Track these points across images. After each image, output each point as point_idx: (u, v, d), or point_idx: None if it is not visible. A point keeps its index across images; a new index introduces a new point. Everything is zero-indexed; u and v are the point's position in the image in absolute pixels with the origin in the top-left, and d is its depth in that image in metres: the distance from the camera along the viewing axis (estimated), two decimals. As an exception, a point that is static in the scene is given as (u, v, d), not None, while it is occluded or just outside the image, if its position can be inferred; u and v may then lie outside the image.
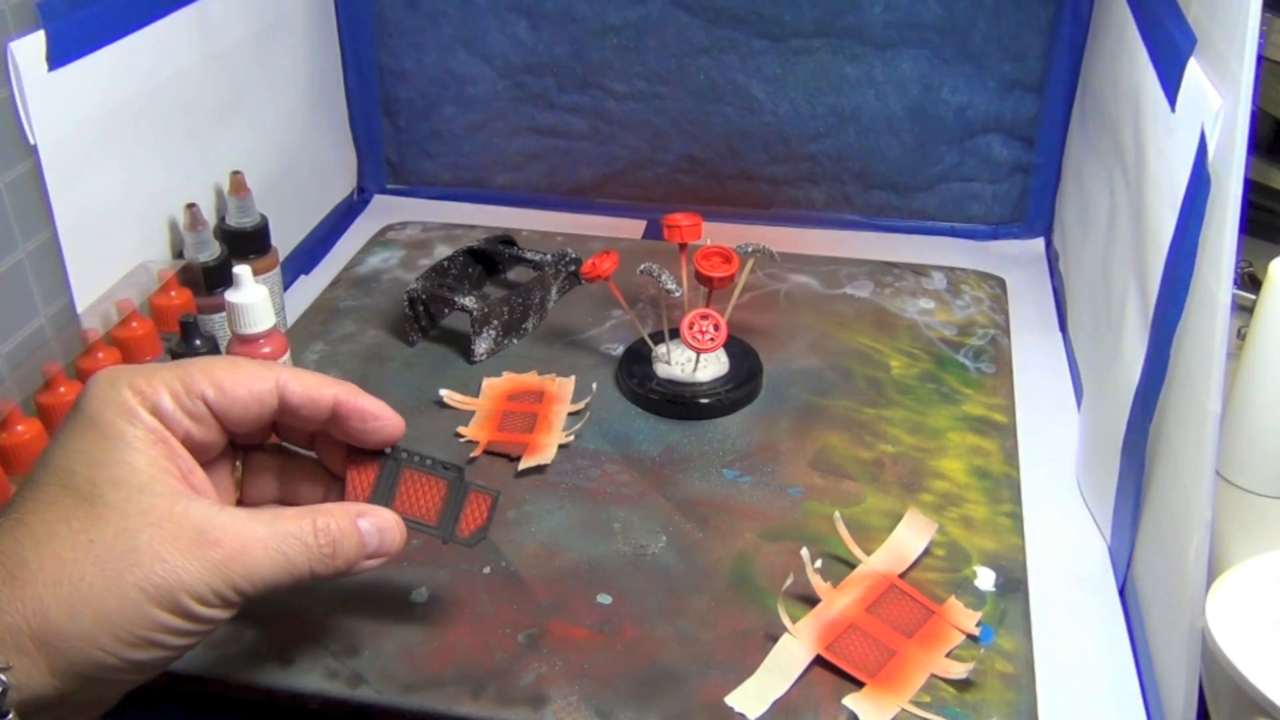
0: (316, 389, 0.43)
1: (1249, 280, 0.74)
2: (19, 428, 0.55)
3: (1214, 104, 0.48)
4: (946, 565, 0.56)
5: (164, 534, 0.37)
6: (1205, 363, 0.47)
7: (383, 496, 0.46)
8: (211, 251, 0.71)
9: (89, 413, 0.39)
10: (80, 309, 0.64)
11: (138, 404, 0.40)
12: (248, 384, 0.42)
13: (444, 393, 0.68)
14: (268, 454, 0.47)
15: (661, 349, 0.69)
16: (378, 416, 0.44)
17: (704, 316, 0.66)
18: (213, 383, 0.41)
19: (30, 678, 0.35)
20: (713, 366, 0.68)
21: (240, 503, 0.46)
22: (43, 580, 0.36)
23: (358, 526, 0.42)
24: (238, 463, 0.46)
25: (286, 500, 0.47)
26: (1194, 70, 0.52)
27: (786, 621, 0.51)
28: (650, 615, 0.53)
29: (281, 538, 0.40)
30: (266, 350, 0.62)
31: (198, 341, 0.62)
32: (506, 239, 0.83)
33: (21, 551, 0.36)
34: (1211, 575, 0.48)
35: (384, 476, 0.46)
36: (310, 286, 0.86)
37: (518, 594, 0.54)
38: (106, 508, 0.37)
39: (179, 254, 0.73)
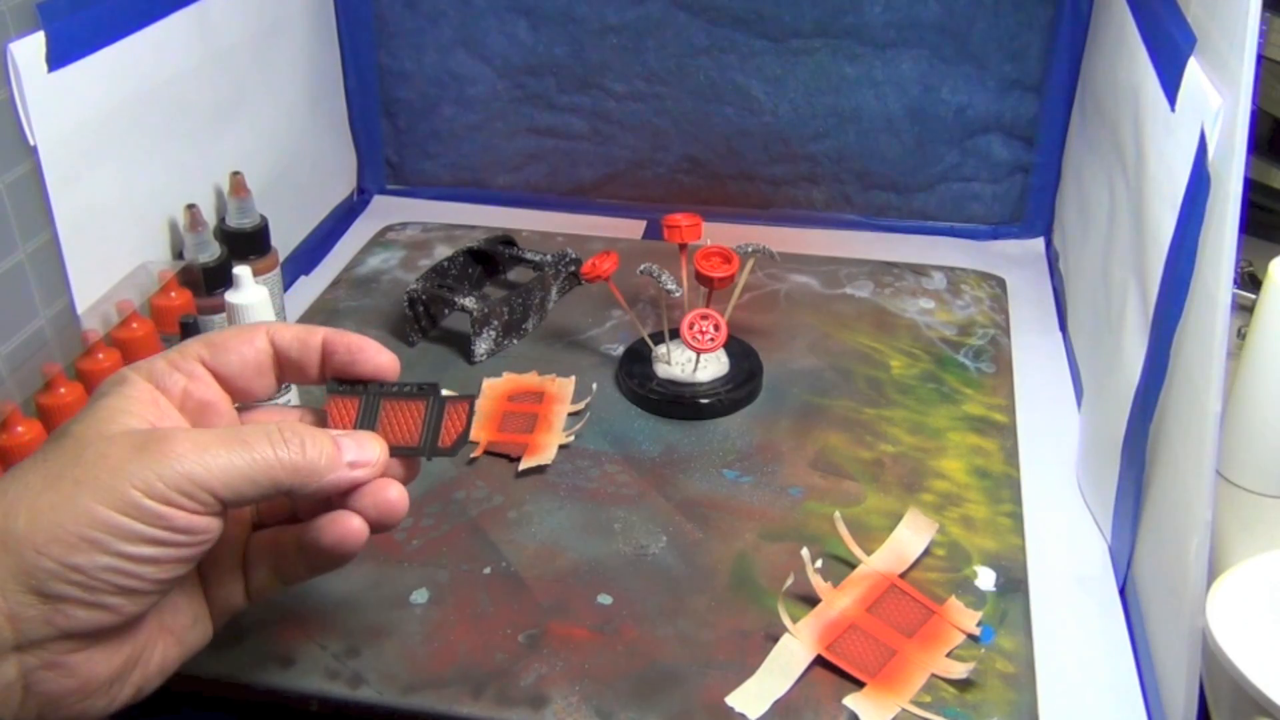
0: (305, 330, 0.45)
1: (1249, 280, 0.74)
2: (19, 429, 0.55)
3: (1214, 103, 0.48)
4: (947, 565, 0.56)
5: (112, 442, 0.37)
6: (1205, 363, 0.47)
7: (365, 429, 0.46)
8: (211, 252, 0.71)
9: (93, 394, 0.41)
10: (80, 310, 0.64)
11: (132, 374, 0.41)
12: (237, 335, 0.44)
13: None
14: None
15: (661, 349, 0.69)
16: (363, 348, 0.45)
17: (704, 316, 0.66)
18: (204, 342, 0.43)
19: (3, 599, 0.35)
20: (713, 366, 0.68)
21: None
22: (10, 497, 0.36)
23: (328, 433, 0.42)
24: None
25: None
26: (1194, 70, 0.52)
27: (787, 621, 0.51)
28: (651, 615, 0.53)
29: (243, 434, 0.39)
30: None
31: (198, 342, 0.62)
32: (506, 239, 0.83)
33: (3, 484, 0.37)
34: (1211, 575, 0.48)
35: (364, 413, 0.45)
36: (310, 287, 0.86)
37: (518, 594, 0.54)
38: (68, 436, 0.38)
39: (179, 255, 0.73)
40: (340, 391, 0.45)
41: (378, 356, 0.45)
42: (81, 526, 0.35)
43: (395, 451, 0.45)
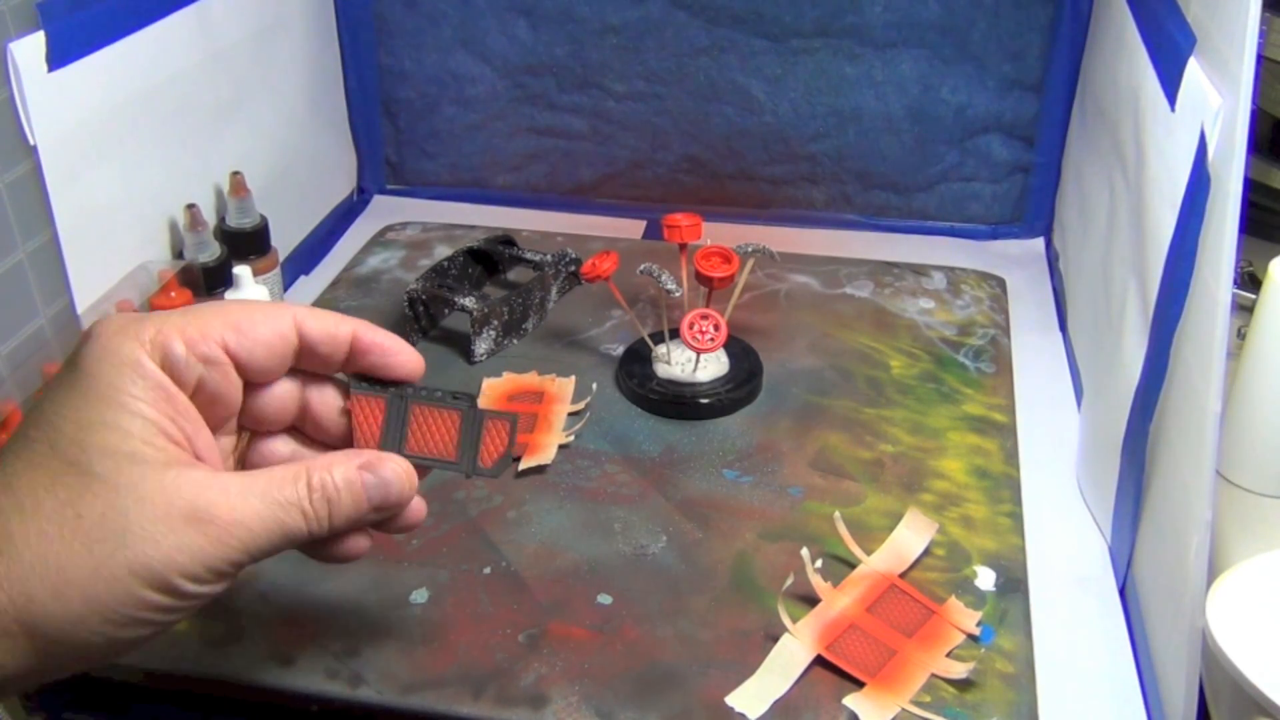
0: (334, 324, 0.41)
1: (1249, 280, 0.74)
2: (19, 428, 0.55)
3: (1214, 103, 0.48)
4: (947, 565, 0.56)
5: (154, 510, 0.35)
6: (1205, 363, 0.47)
7: (394, 438, 0.43)
8: (211, 252, 0.71)
9: (86, 366, 0.36)
10: (80, 310, 0.64)
11: (144, 355, 0.37)
12: (266, 322, 0.40)
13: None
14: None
15: (661, 349, 0.69)
16: (397, 351, 0.42)
17: (704, 316, 0.66)
18: (230, 325, 0.39)
19: (12, 657, 0.34)
20: (713, 366, 0.68)
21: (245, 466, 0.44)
22: (29, 559, 0.34)
23: (360, 478, 0.40)
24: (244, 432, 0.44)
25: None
26: (1194, 70, 0.52)
27: (787, 621, 0.51)
28: (650, 615, 0.53)
29: (276, 506, 0.38)
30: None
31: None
32: (506, 239, 0.83)
33: (8, 524, 0.34)
34: (1211, 575, 0.48)
35: (392, 416, 0.43)
36: (310, 287, 0.86)
37: (518, 594, 0.54)
38: (94, 479, 0.35)
39: (179, 254, 0.73)
40: (365, 390, 0.43)
41: (410, 361, 0.43)
42: (133, 610, 0.35)
43: (428, 462, 0.43)
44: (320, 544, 0.41)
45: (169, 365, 0.37)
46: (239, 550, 0.37)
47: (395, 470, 0.41)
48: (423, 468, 0.43)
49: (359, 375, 0.43)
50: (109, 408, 0.36)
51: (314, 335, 0.41)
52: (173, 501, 0.36)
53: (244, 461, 0.43)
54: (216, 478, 0.37)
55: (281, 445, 0.44)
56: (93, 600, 0.34)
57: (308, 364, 0.42)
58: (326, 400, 0.43)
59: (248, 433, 0.43)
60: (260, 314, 0.40)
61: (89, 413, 0.36)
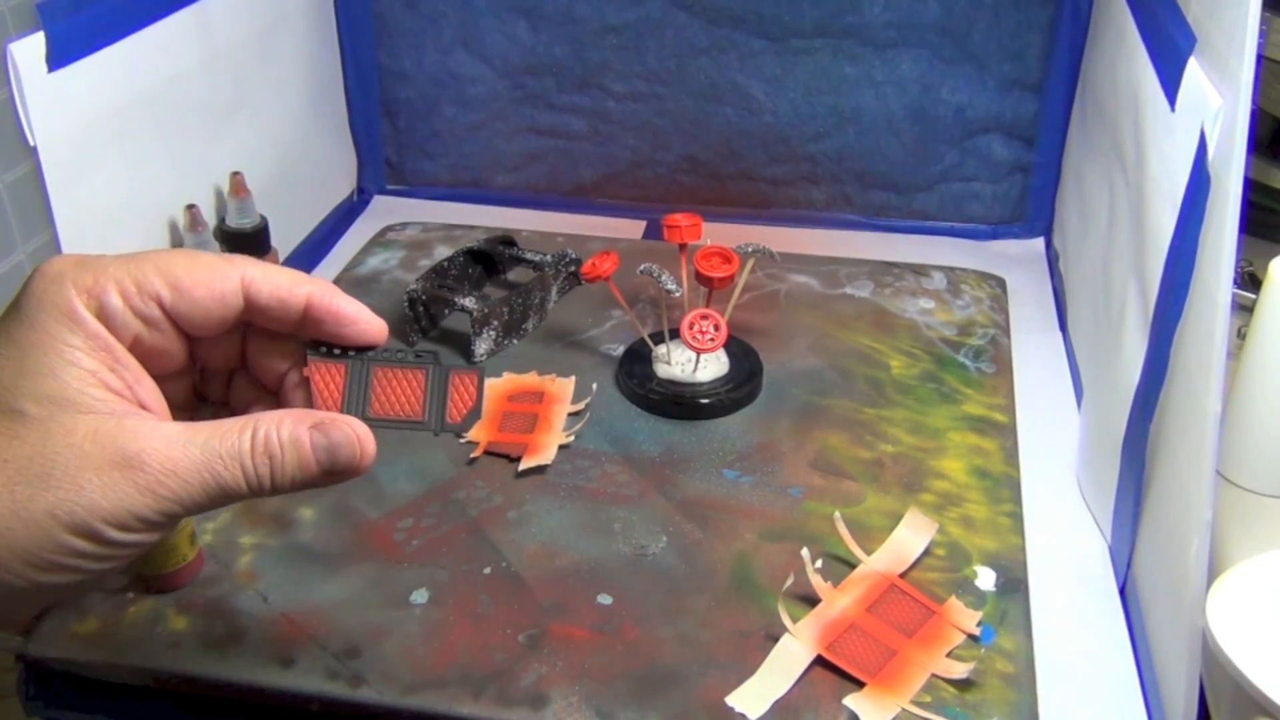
0: (288, 288, 0.39)
1: (1249, 280, 0.74)
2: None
3: (1214, 103, 0.48)
4: (947, 565, 0.56)
5: (82, 455, 0.34)
6: (1205, 362, 0.47)
7: (356, 401, 0.41)
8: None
9: (26, 313, 0.36)
10: (80, 310, 0.64)
11: (82, 305, 0.36)
12: (208, 282, 0.38)
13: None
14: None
15: (661, 349, 0.69)
16: (355, 320, 0.40)
17: (704, 316, 0.66)
18: (169, 282, 0.37)
19: None
20: (713, 366, 0.68)
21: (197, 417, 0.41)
22: None
23: (308, 439, 0.38)
24: (197, 374, 0.42)
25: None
26: (1194, 70, 0.52)
27: (787, 621, 0.51)
28: (651, 615, 0.53)
29: (215, 457, 0.36)
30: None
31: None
32: (506, 239, 0.83)
33: None
34: (1211, 575, 0.48)
35: (354, 381, 0.41)
36: (310, 287, 0.86)
37: (518, 594, 0.54)
38: (26, 422, 0.34)
39: (179, 255, 0.73)
40: (323, 356, 0.41)
41: (370, 329, 0.41)
42: (56, 555, 0.34)
43: (394, 424, 0.41)
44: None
45: (105, 317, 0.36)
46: (170, 500, 0.35)
47: (346, 433, 0.39)
48: (392, 429, 0.41)
49: (316, 341, 0.41)
50: (46, 355, 0.35)
51: (262, 299, 0.39)
52: (104, 447, 0.35)
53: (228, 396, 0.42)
54: (158, 426, 0.36)
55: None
56: (11, 543, 0.34)
57: (258, 323, 0.41)
58: (271, 363, 0.42)
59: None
60: (204, 272, 0.38)
61: (27, 361, 0.35)
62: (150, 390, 0.38)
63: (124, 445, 0.35)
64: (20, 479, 0.34)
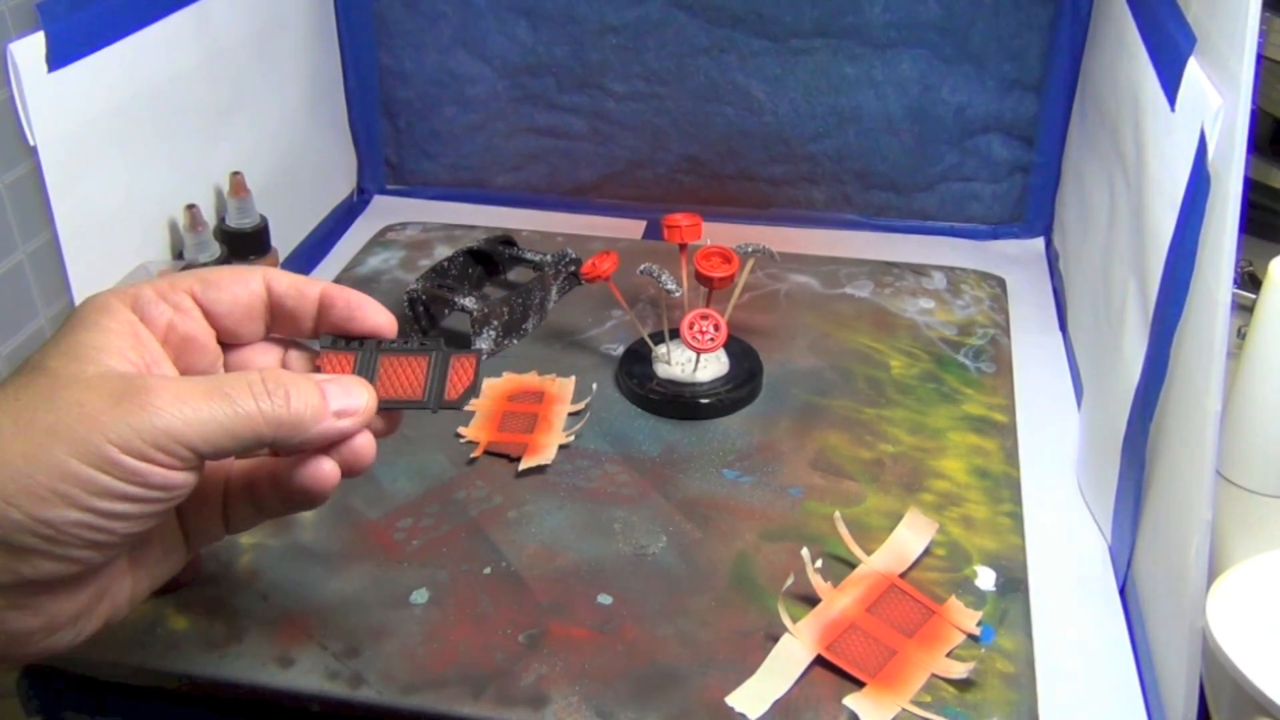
0: (304, 281, 0.44)
1: (1249, 280, 0.74)
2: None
3: (1214, 103, 0.48)
4: (947, 565, 0.56)
5: (89, 388, 0.35)
6: (1205, 362, 0.47)
7: None
8: (211, 252, 0.71)
9: (72, 319, 0.39)
10: (80, 310, 0.64)
11: (118, 302, 0.40)
12: (233, 272, 0.43)
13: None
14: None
15: (661, 349, 0.69)
16: (363, 305, 0.44)
17: (704, 316, 0.66)
18: (197, 276, 0.42)
19: None
20: (713, 366, 0.68)
21: None
22: None
23: (314, 380, 0.40)
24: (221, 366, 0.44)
25: None
26: (1194, 70, 0.52)
27: (787, 621, 0.51)
28: (651, 615, 0.53)
29: (223, 383, 0.37)
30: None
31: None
32: (506, 239, 0.83)
33: None
34: (1211, 575, 0.48)
35: (362, 367, 0.44)
36: (310, 287, 0.86)
37: (518, 594, 0.54)
38: (43, 372, 0.36)
39: (179, 255, 0.73)
40: (335, 347, 0.44)
41: (377, 315, 0.44)
42: (54, 480, 0.34)
43: (397, 405, 0.44)
44: (287, 452, 0.41)
45: (139, 308, 0.40)
46: (181, 421, 0.35)
47: (353, 379, 0.42)
48: (384, 413, 0.44)
49: (332, 334, 0.44)
50: (77, 330, 0.38)
51: (280, 288, 0.43)
52: (110, 381, 0.36)
53: None
54: (165, 377, 0.38)
55: None
56: (33, 473, 0.34)
57: (281, 328, 0.44)
58: (303, 367, 0.45)
59: None
60: (229, 272, 0.43)
61: (62, 346, 0.38)
62: (169, 370, 0.41)
63: (130, 379, 0.37)
64: (26, 410, 0.35)
